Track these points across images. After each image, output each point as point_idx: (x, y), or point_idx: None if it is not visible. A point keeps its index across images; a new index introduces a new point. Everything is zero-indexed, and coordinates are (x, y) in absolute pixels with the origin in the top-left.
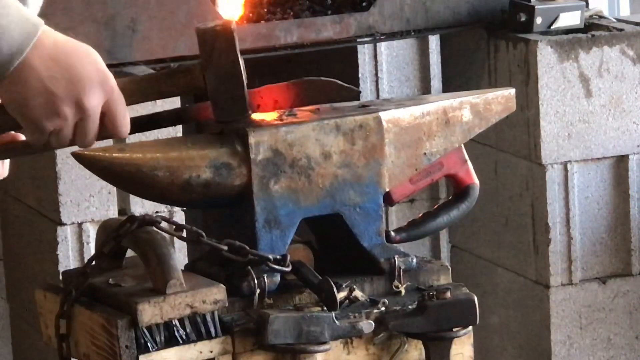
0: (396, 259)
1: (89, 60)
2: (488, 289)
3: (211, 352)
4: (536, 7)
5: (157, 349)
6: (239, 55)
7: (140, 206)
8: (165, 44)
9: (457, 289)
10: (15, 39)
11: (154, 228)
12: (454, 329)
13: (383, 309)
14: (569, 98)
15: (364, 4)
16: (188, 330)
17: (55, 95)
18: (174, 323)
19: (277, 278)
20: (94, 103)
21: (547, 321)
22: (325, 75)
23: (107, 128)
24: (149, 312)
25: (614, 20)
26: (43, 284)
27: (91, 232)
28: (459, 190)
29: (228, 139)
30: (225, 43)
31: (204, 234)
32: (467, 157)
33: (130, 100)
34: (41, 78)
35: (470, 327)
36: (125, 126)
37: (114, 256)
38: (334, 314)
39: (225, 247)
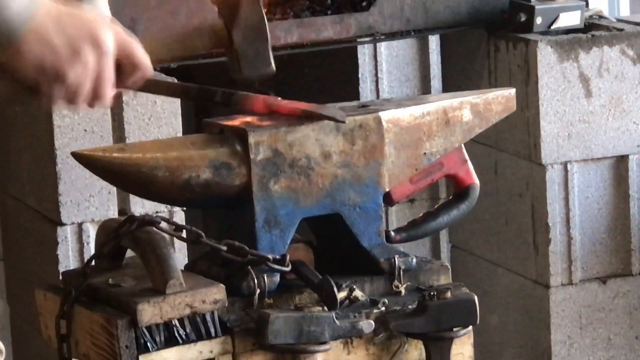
0: (396, 259)
1: (84, 10)
2: (488, 289)
3: (211, 352)
4: (536, 7)
5: (157, 349)
6: (264, 12)
7: (140, 206)
8: None
9: (457, 289)
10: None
11: (154, 228)
12: (454, 329)
13: (383, 309)
14: (569, 98)
15: (364, 4)
16: (188, 330)
17: (73, 36)
18: (173, 323)
19: (277, 278)
20: (109, 40)
21: (547, 321)
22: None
23: (126, 71)
24: (149, 312)
25: (614, 20)
26: (43, 284)
27: (91, 232)
28: (459, 190)
29: (228, 139)
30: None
31: (203, 234)
32: (467, 157)
33: (157, 59)
34: (55, 26)
35: (470, 327)
36: (150, 65)
37: (114, 256)
38: (334, 314)
39: (225, 248)
